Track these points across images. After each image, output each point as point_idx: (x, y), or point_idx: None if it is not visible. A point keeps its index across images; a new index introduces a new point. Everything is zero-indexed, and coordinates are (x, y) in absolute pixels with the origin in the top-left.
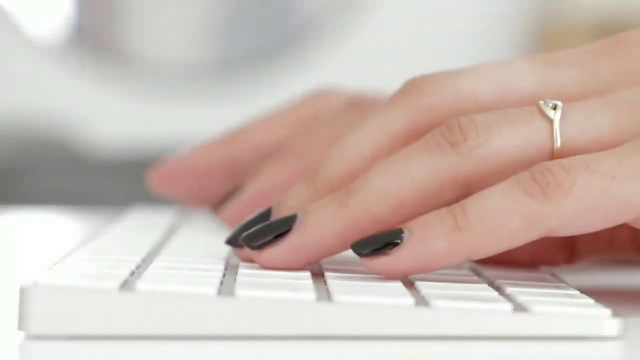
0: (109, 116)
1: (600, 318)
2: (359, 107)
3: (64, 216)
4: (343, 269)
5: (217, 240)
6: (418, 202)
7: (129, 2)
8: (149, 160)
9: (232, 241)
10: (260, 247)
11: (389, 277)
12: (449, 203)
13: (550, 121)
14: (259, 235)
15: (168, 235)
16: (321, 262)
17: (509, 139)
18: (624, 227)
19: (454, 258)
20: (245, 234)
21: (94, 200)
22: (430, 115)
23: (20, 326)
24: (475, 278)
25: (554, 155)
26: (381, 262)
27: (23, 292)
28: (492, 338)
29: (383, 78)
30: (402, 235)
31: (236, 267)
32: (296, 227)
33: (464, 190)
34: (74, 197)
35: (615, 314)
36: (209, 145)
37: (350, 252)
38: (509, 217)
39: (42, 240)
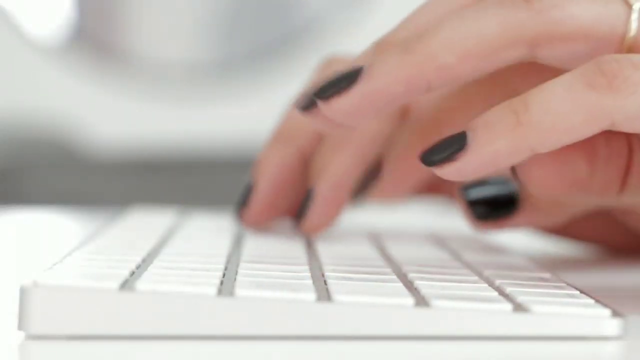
0: (109, 116)
1: (600, 318)
2: None
3: (64, 216)
4: (343, 269)
5: (217, 240)
6: (483, 55)
7: (129, 2)
8: (149, 160)
9: (305, 104)
10: (328, 97)
11: (461, 180)
12: (512, 62)
13: (630, 7)
14: (327, 87)
15: (168, 235)
16: (321, 262)
17: (584, 10)
18: None
19: (519, 154)
20: (314, 89)
21: (94, 200)
22: None
23: (20, 326)
24: (475, 278)
25: (624, 43)
26: (451, 169)
27: (23, 292)
28: (492, 338)
29: None
30: (466, 138)
31: (236, 267)
32: (362, 76)
33: (529, 51)
34: (74, 197)
35: (615, 314)
36: (275, 154)
37: (349, 252)
38: (573, 111)
39: (42, 240)
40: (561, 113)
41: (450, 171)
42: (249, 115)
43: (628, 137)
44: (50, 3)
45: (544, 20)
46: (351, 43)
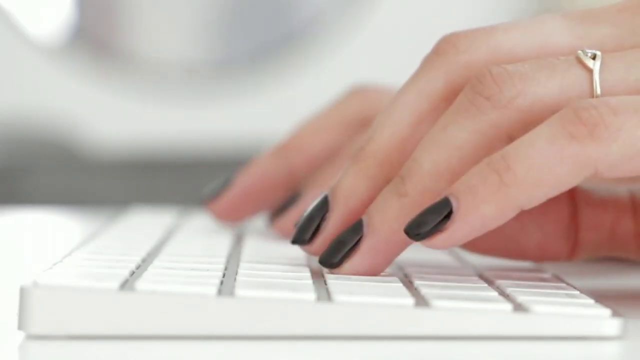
0: (109, 116)
1: (600, 318)
2: None
3: (64, 216)
4: None
5: (217, 240)
6: (471, 166)
7: (129, 2)
8: (149, 160)
9: (298, 239)
10: (340, 262)
11: (451, 247)
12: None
13: (590, 71)
14: (334, 252)
15: (168, 235)
16: None
17: (547, 88)
18: (626, 220)
19: (507, 215)
20: (321, 256)
21: (94, 200)
22: (468, 72)
23: (20, 326)
24: (475, 278)
25: None
26: (440, 239)
27: (23, 292)
28: (492, 338)
29: (384, 77)
30: (451, 206)
31: (236, 267)
32: (366, 232)
33: (509, 140)
34: (74, 197)
35: (615, 314)
36: (264, 161)
37: None
38: (557, 164)
39: (42, 240)
40: (545, 167)
41: (439, 242)
42: (249, 115)
43: (572, 194)
44: (50, 3)
45: (513, 113)
46: (351, 43)
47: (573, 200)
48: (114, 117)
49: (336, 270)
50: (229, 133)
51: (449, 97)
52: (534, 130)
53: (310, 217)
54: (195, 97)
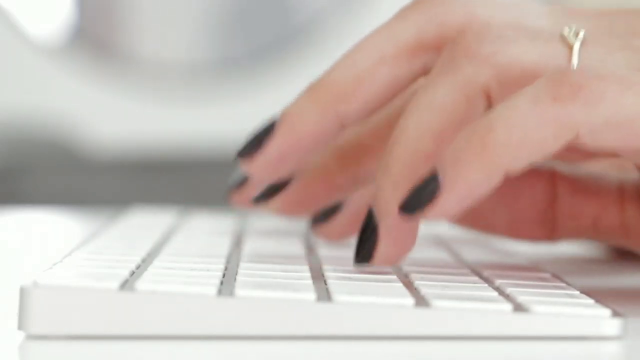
0: (109, 116)
1: (600, 318)
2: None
3: (64, 216)
4: (343, 269)
5: (217, 240)
6: (454, 125)
7: (129, 2)
8: (148, 160)
9: (240, 154)
10: (371, 254)
11: (449, 219)
12: (480, 115)
13: (570, 46)
14: (362, 247)
15: (168, 235)
16: (321, 262)
17: (526, 51)
18: (611, 211)
19: (493, 179)
20: (355, 258)
21: (94, 200)
22: (440, 29)
23: (20, 326)
24: (475, 278)
25: None
26: (433, 212)
27: (23, 292)
28: (492, 338)
29: None
30: (437, 177)
31: (236, 267)
32: (378, 217)
33: (487, 101)
34: (74, 197)
35: (615, 314)
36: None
37: (349, 252)
38: (540, 125)
39: (42, 240)
40: (527, 128)
41: (433, 214)
42: (249, 115)
43: (554, 182)
44: (50, 3)
45: (489, 67)
46: (351, 43)
47: (553, 187)
48: (114, 117)
49: (372, 262)
50: (229, 133)
51: (416, 48)
52: (518, 93)
53: (256, 137)
54: (195, 97)
